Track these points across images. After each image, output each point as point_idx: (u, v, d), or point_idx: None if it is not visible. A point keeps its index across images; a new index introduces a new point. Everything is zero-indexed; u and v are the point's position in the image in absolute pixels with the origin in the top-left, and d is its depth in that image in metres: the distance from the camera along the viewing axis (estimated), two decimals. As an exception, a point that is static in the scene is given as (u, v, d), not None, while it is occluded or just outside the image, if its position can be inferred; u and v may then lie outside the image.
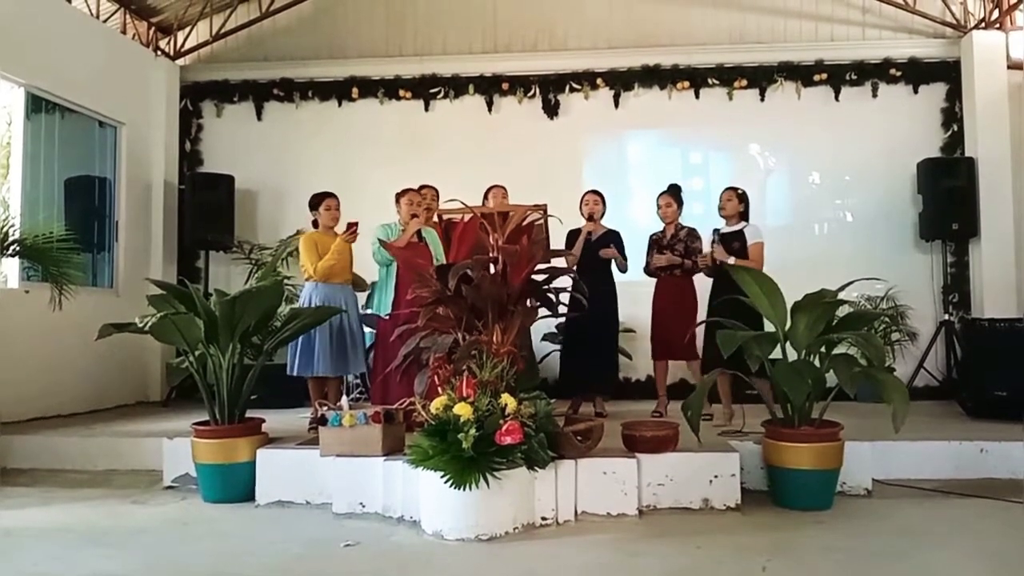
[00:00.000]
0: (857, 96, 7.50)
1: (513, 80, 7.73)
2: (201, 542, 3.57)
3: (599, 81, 7.69)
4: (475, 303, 3.98)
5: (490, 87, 7.77)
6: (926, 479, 4.38)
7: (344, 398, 4.64)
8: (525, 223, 4.37)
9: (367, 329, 6.06)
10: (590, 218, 5.72)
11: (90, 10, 7.15)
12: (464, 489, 3.43)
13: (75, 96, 6.73)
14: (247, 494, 4.17)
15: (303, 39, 8.07)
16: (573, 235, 5.72)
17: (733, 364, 4.26)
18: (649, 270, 5.70)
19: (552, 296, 4.26)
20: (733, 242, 5.22)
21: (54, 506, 4.20)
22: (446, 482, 3.45)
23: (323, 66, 7.94)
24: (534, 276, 4.17)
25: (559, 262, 4.48)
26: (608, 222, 5.83)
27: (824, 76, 7.49)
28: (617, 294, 5.73)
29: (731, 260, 5.07)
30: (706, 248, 5.43)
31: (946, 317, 7.11)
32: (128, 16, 7.67)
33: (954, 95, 7.41)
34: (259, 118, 8.02)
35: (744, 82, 7.55)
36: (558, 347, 6.79)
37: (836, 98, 7.52)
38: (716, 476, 3.91)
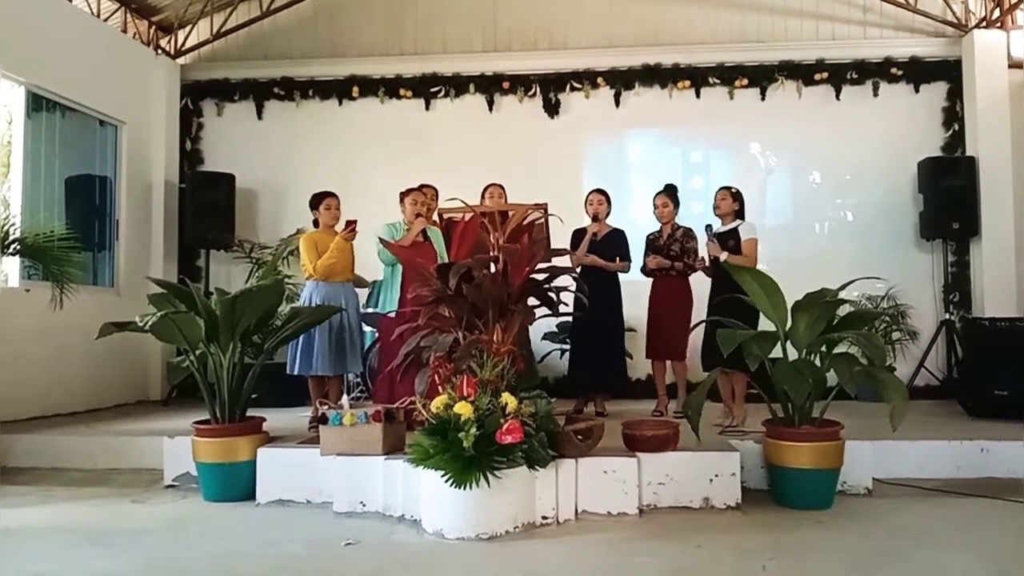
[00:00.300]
0: (858, 95, 7.51)
1: (514, 79, 7.73)
2: (201, 541, 3.57)
3: (600, 80, 7.69)
4: (476, 302, 3.98)
5: (491, 86, 7.77)
6: (927, 478, 4.38)
7: (345, 397, 4.64)
8: (526, 222, 4.37)
9: (367, 328, 6.07)
10: (595, 218, 5.72)
11: (90, 9, 7.15)
12: (465, 488, 3.42)
13: (76, 95, 6.73)
14: (248, 493, 4.17)
15: (304, 38, 8.08)
16: (578, 235, 5.72)
17: (732, 363, 4.26)
18: (646, 270, 5.69)
19: (553, 295, 4.26)
20: (728, 240, 5.22)
21: (54, 505, 4.20)
22: (447, 481, 3.45)
23: (323, 65, 7.94)
24: (535, 275, 4.17)
25: (560, 261, 4.48)
26: (609, 221, 5.83)
27: (825, 75, 7.49)
28: (621, 293, 5.73)
29: (724, 256, 5.07)
30: (700, 246, 5.43)
31: (947, 316, 7.11)
32: (128, 15, 7.67)
33: (955, 94, 7.41)
34: (259, 117, 8.03)
35: (745, 81, 7.55)
36: (558, 346, 6.81)
37: (837, 97, 7.52)
38: (716, 475, 3.91)
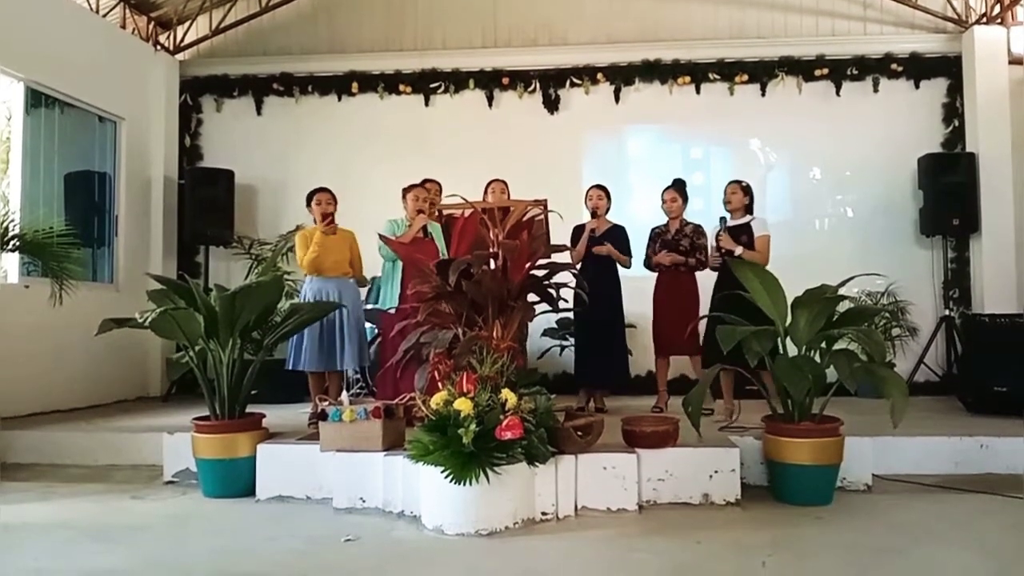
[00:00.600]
0: (858, 91, 7.50)
1: (513, 75, 7.72)
2: (201, 537, 3.58)
3: (599, 76, 7.68)
4: (475, 298, 3.98)
5: (490, 82, 7.76)
6: (926, 475, 4.37)
7: (344, 393, 4.64)
8: (525, 218, 4.37)
9: (368, 324, 6.07)
10: (594, 214, 5.71)
11: (89, 5, 7.13)
12: (464, 484, 3.43)
13: (75, 91, 6.72)
14: (247, 489, 4.17)
15: (303, 34, 8.06)
16: (578, 231, 5.72)
17: (733, 359, 4.26)
18: (650, 264, 5.67)
19: (552, 292, 4.25)
20: (740, 235, 5.20)
21: (54, 501, 4.19)
22: (446, 477, 3.45)
23: (323, 61, 7.93)
24: (534, 272, 4.17)
25: (559, 257, 4.48)
26: (609, 217, 5.82)
27: (825, 71, 7.48)
28: (621, 289, 5.72)
29: (739, 250, 5.06)
30: (711, 239, 5.42)
31: (946, 313, 7.11)
32: (128, 11, 7.65)
33: (955, 90, 7.40)
34: (259, 113, 8.01)
35: (745, 77, 7.55)
36: (558, 343, 6.82)
37: (837, 93, 7.51)
38: (716, 471, 3.91)
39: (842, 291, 4.13)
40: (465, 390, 3.58)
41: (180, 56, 8.03)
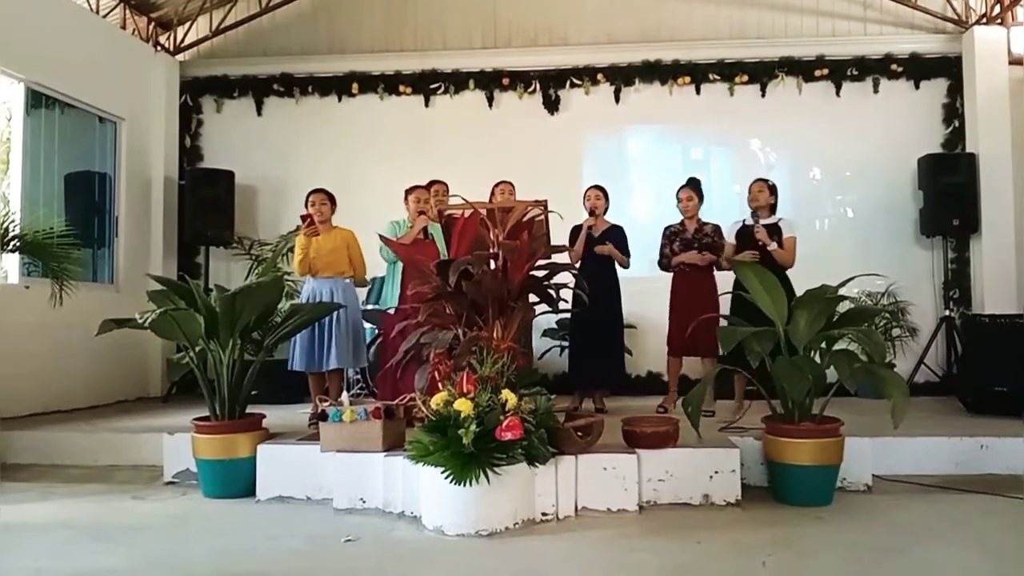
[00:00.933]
0: (858, 92, 7.50)
1: (513, 75, 7.72)
2: (201, 538, 3.58)
3: (600, 76, 7.68)
4: (475, 299, 3.98)
5: (490, 82, 7.76)
6: (926, 475, 4.37)
7: (345, 394, 4.64)
8: (526, 219, 4.37)
9: (367, 325, 6.07)
10: (592, 213, 5.71)
11: (90, 5, 7.13)
12: (464, 485, 3.43)
13: (75, 91, 6.72)
14: (248, 490, 4.17)
15: (303, 34, 8.06)
16: (576, 231, 5.71)
17: (735, 360, 4.25)
18: (665, 264, 5.61)
19: (552, 292, 4.25)
20: (772, 236, 5.21)
21: (54, 501, 4.19)
22: (446, 478, 3.45)
23: (323, 61, 7.93)
24: (534, 272, 4.17)
25: (560, 258, 4.48)
26: (609, 217, 5.82)
27: (825, 71, 7.48)
28: (619, 289, 5.72)
29: (772, 245, 5.06)
30: (730, 238, 5.41)
31: (947, 313, 7.11)
32: (128, 11, 7.65)
33: (955, 91, 7.40)
34: (259, 113, 8.02)
35: (745, 77, 7.55)
36: (559, 343, 6.81)
37: (837, 94, 7.51)
38: (716, 472, 3.91)
39: (842, 291, 4.12)
40: (465, 391, 3.58)
41: (180, 57, 8.04)
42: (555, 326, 6.76)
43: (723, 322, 4.94)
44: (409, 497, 3.79)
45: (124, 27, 7.63)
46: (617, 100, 7.68)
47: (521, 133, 7.62)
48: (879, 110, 7.46)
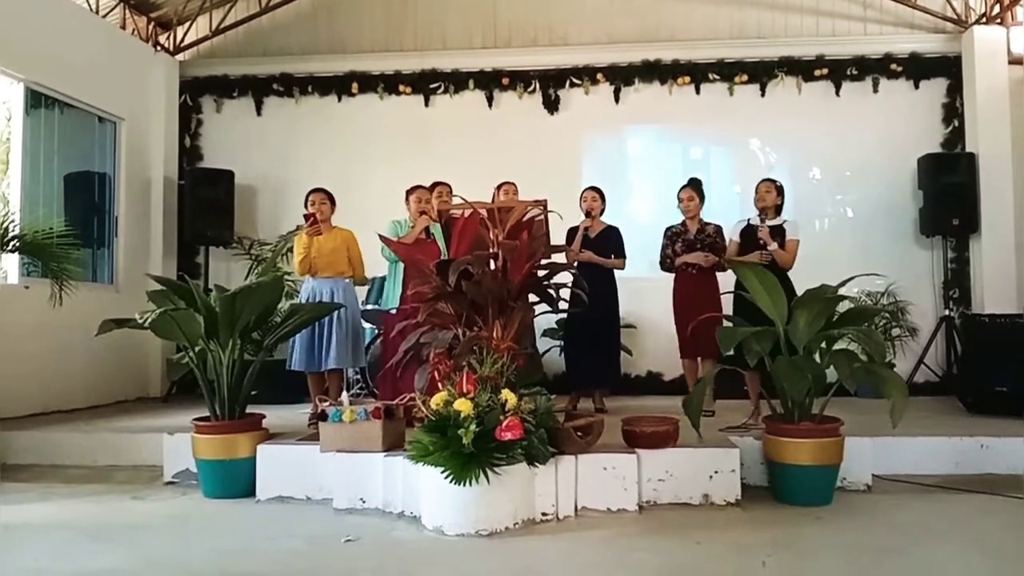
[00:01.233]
0: (858, 91, 7.50)
1: (513, 75, 7.73)
2: (201, 537, 3.58)
3: (599, 76, 7.68)
4: (475, 299, 3.98)
5: (490, 82, 7.76)
6: (926, 475, 4.37)
7: (344, 394, 4.63)
8: (525, 219, 4.36)
9: (366, 325, 6.07)
10: (588, 214, 5.71)
11: (89, 5, 7.13)
12: (464, 485, 3.43)
13: (75, 91, 6.72)
14: (247, 490, 4.17)
15: (302, 34, 8.07)
16: (572, 232, 5.71)
17: (736, 361, 4.25)
18: (668, 265, 5.60)
19: (552, 292, 4.25)
20: (775, 236, 5.21)
21: (54, 502, 4.19)
22: (446, 478, 3.45)
23: (322, 61, 7.93)
24: (534, 272, 4.16)
25: (559, 258, 4.48)
26: (609, 217, 5.82)
27: (825, 71, 7.48)
28: (617, 289, 5.72)
29: (773, 246, 5.08)
30: (734, 236, 5.42)
31: (946, 313, 7.11)
32: (127, 11, 7.65)
33: (955, 90, 7.41)
34: (259, 113, 8.02)
35: (745, 77, 7.55)
36: (558, 343, 6.81)
37: (837, 93, 7.52)
38: (716, 472, 3.91)
39: (842, 291, 4.13)
40: (465, 390, 3.58)
41: (180, 57, 8.04)
42: (555, 326, 6.76)
43: (725, 322, 4.95)
44: (409, 497, 3.79)
45: (124, 27, 7.63)
46: (617, 100, 7.68)
47: (521, 133, 7.62)
48: (879, 110, 7.46)
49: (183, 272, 7.31)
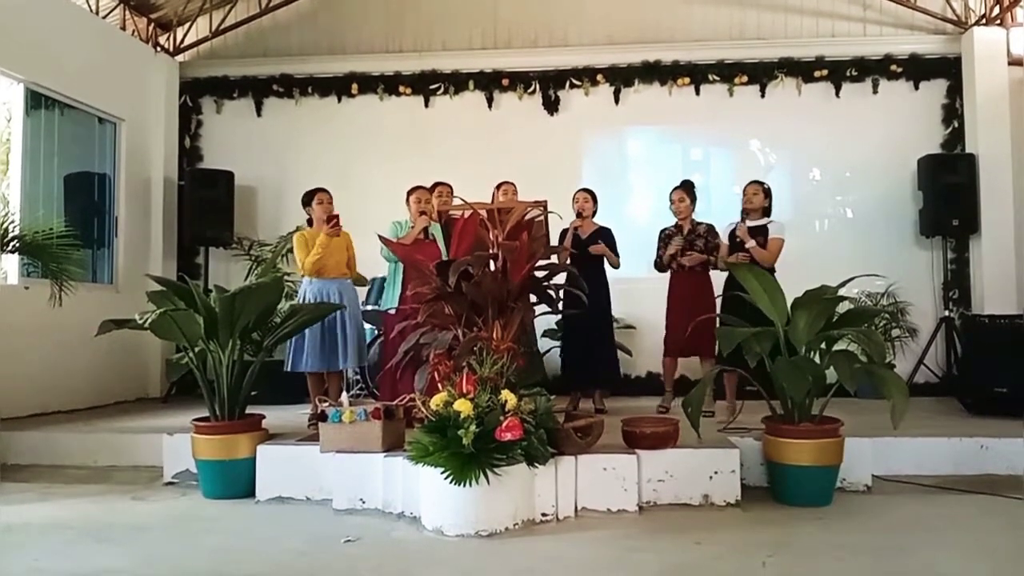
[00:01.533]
0: (858, 92, 7.50)
1: (513, 76, 7.72)
2: (201, 538, 3.58)
3: (599, 77, 7.67)
4: (475, 299, 3.98)
5: (490, 83, 7.75)
6: (926, 475, 4.38)
7: (344, 394, 4.63)
8: (525, 219, 4.37)
9: (367, 325, 6.07)
10: (579, 215, 5.72)
11: (89, 6, 7.12)
12: (464, 485, 3.43)
13: (75, 92, 6.72)
14: (247, 490, 4.17)
15: (302, 35, 8.07)
16: (564, 233, 5.72)
17: (740, 360, 4.25)
18: (662, 265, 5.63)
19: (552, 292, 4.26)
20: (756, 236, 5.23)
21: (54, 502, 4.20)
22: (446, 478, 3.45)
23: (323, 62, 7.93)
24: (534, 272, 4.17)
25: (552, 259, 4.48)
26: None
27: (825, 72, 7.48)
28: (608, 287, 5.72)
29: (751, 243, 5.08)
30: (723, 238, 5.43)
31: (946, 313, 7.11)
32: (127, 12, 7.65)
33: (955, 91, 7.40)
34: (259, 114, 8.02)
35: (744, 78, 7.55)
36: (558, 343, 6.81)
37: (837, 94, 7.51)
38: (716, 472, 3.91)
39: (842, 292, 4.13)
40: (465, 391, 3.58)
41: (180, 57, 8.04)
42: (555, 327, 6.76)
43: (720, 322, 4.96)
44: (409, 498, 3.79)
45: (124, 28, 7.63)
46: (617, 101, 7.68)
47: (521, 134, 7.62)
48: (879, 111, 7.46)
49: (183, 273, 7.32)
